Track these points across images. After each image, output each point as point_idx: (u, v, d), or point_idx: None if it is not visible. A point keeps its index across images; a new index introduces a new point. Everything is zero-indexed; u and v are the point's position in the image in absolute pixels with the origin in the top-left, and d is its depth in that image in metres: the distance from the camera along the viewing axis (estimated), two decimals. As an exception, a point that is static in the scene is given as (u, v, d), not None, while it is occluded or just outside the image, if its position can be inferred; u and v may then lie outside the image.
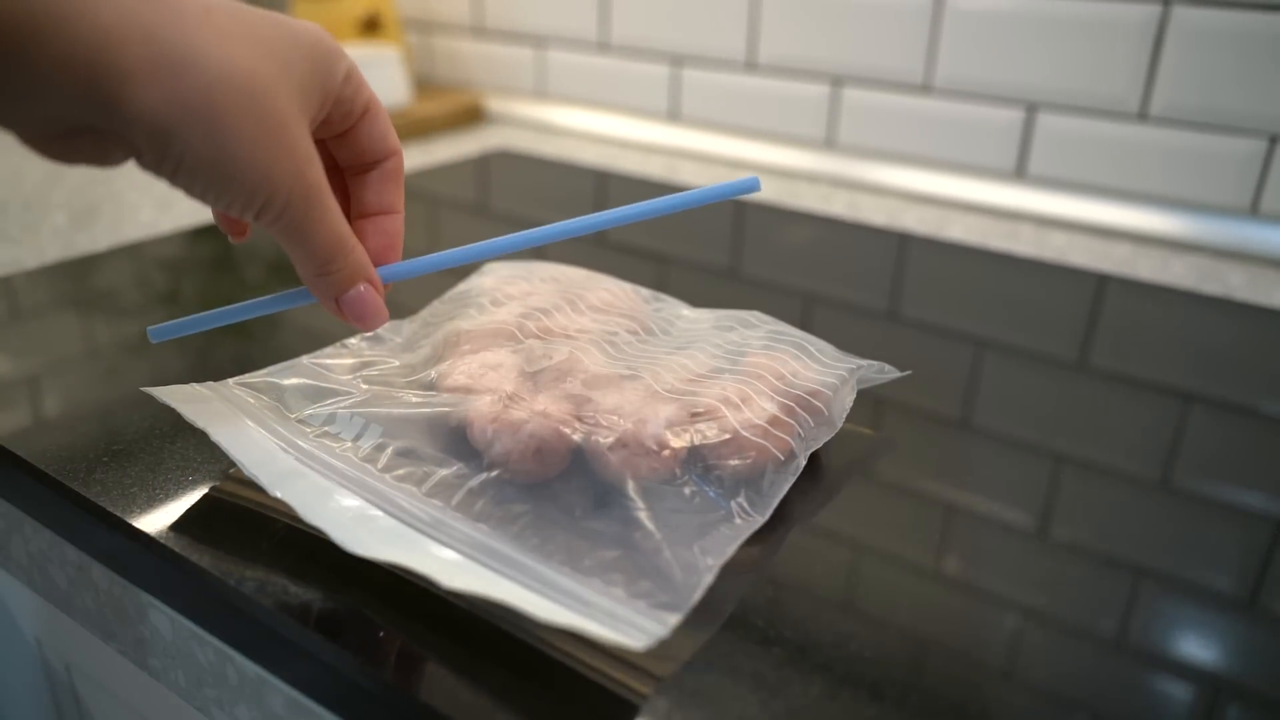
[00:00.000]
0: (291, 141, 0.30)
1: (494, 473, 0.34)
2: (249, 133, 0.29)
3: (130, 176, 0.80)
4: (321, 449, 0.35)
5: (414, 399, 0.37)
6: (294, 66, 0.31)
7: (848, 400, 0.39)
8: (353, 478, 0.34)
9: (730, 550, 0.32)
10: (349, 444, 0.35)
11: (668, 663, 0.29)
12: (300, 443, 0.35)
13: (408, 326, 0.44)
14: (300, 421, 0.36)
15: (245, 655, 0.34)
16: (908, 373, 0.43)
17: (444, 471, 0.34)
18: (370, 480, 0.34)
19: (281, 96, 0.30)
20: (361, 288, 0.34)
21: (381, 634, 0.30)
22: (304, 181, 0.31)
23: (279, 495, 0.32)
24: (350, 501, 0.33)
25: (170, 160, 0.29)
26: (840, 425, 0.38)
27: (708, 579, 0.30)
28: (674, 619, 0.28)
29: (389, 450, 0.35)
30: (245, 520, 0.35)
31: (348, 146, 0.36)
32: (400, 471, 0.34)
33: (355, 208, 0.36)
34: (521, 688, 0.28)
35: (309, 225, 0.31)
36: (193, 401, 0.37)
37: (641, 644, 0.27)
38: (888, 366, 0.42)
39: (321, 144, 0.35)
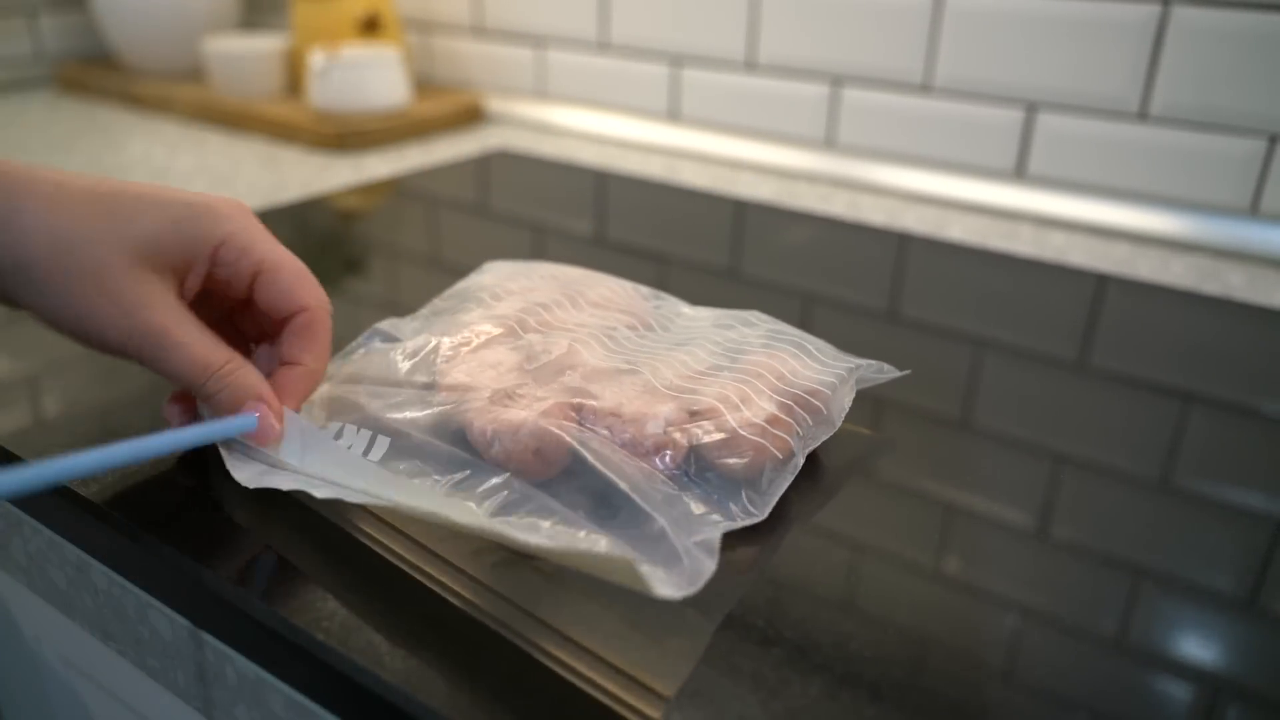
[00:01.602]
0: (115, 288, 0.33)
1: (501, 477, 0.34)
2: (60, 282, 0.32)
3: (129, 177, 0.80)
4: (331, 459, 0.35)
5: (416, 403, 0.37)
6: (136, 222, 0.33)
7: (846, 399, 0.39)
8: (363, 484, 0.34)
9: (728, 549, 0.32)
10: (359, 456, 0.36)
11: (670, 680, 0.28)
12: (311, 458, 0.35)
13: (408, 325, 0.44)
14: None
15: (245, 655, 0.34)
16: (907, 372, 0.43)
17: (456, 476, 0.34)
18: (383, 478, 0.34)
19: (103, 246, 0.33)
20: (253, 407, 0.35)
21: (381, 634, 0.30)
22: (133, 322, 0.33)
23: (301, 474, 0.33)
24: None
25: (16, 304, 0.33)
26: (839, 424, 0.38)
27: (706, 578, 0.30)
28: (711, 564, 0.29)
29: (400, 467, 0.35)
30: (244, 520, 0.35)
31: (251, 305, 0.37)
32: (414, 481, 0.34)
33: (279, 354, 0.37)
34: (521, 688, 0.28)
35: (160, 359, 0.34)
36: None
37: (678, 592, 0.27)
38: (887, 366, 0.42)
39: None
